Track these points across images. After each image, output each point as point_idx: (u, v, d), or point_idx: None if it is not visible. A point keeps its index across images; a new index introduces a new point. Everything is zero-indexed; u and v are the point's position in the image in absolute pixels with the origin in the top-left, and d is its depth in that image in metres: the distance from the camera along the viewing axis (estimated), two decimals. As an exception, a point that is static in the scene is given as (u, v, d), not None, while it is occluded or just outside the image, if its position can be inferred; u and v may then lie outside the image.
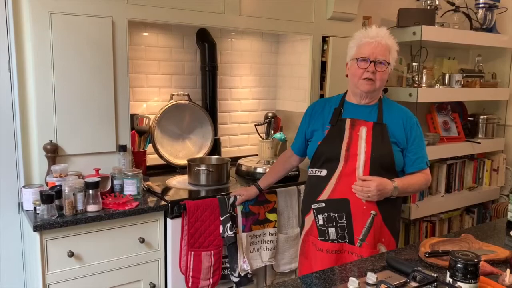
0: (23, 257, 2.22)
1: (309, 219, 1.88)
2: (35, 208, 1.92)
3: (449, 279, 1.21)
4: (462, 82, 3.51)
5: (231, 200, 2.20)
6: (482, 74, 3.79)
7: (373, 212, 1.78)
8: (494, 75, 3.86)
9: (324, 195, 1.82)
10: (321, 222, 1.83)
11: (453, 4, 3.56)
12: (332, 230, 1.82)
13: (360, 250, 1.79)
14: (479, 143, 3.66)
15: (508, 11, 3.75)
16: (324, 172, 1.85)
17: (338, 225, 1.80)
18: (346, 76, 1.92)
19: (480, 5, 3.64)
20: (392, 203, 1.84)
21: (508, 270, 1.31)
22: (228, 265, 2.21)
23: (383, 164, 1.79)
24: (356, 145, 1.80)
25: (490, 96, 3.76)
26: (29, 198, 1.95)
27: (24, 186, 2.03)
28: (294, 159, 2.13)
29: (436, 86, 3.43)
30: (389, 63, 1.82)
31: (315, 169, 1.89)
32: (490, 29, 3.69)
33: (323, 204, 1.82)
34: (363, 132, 1.82)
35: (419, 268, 1.30)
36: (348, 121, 1.85)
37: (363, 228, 1.79)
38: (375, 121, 1.83)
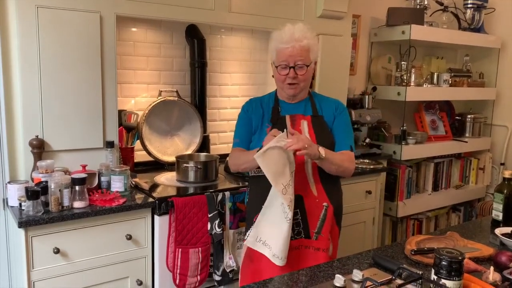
0: (8, 254, 2.20)
1: None
2: (20, 204, 1.89)
3: (433, 277, 1.23)
4: (450, 82, 3.55)
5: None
6: (469, 73, 3.84)
7: (325, 204, 1.83)
8: (482, 75, 3.91)
9: None
10: None
11: (442, 4, 3.59)
12: None
13: (317, 243, 1.82)
14: (466, 142, 3.70)
15: (495, 12, 3.79)
16: None
17: (294, 221, 1.77)
18: (273, 76, 1.91)
19: (469, 5, 3.69)
20: (339, 195, 1.93)
21: (491, 268, 1.33)
22: (212, 263, 2.21)
23: None
24: None
25: (477, 96, 3.81)
26: (14, 194, 1.93)
27: (9, 182, 2.00)
28: None
29: (424, 85, 3.46)
30: (308, 65, 1.80)
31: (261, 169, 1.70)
32: (478, 29, 3.73)
33: None
34: (304, 125, 1.86)
35: (404, 265, 1.32)
36: (287, 117, 1.88)
37: (317, 221, 1.82)
38: (311, 115, 1.89)
